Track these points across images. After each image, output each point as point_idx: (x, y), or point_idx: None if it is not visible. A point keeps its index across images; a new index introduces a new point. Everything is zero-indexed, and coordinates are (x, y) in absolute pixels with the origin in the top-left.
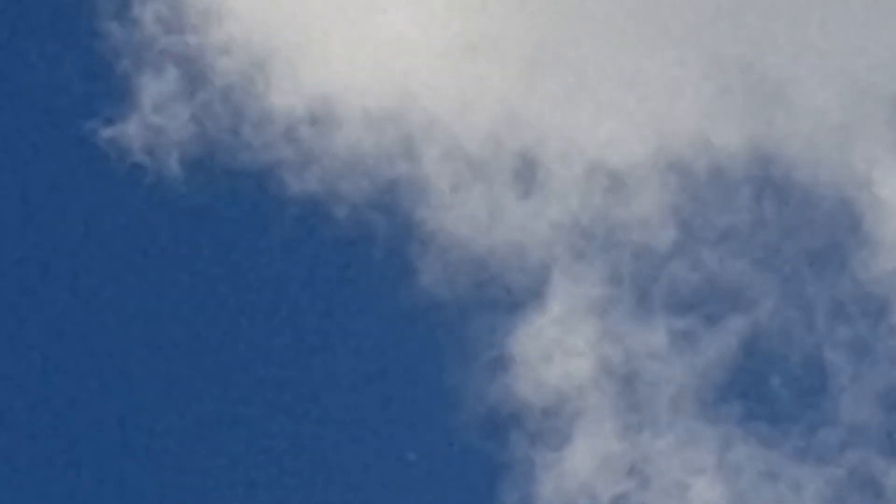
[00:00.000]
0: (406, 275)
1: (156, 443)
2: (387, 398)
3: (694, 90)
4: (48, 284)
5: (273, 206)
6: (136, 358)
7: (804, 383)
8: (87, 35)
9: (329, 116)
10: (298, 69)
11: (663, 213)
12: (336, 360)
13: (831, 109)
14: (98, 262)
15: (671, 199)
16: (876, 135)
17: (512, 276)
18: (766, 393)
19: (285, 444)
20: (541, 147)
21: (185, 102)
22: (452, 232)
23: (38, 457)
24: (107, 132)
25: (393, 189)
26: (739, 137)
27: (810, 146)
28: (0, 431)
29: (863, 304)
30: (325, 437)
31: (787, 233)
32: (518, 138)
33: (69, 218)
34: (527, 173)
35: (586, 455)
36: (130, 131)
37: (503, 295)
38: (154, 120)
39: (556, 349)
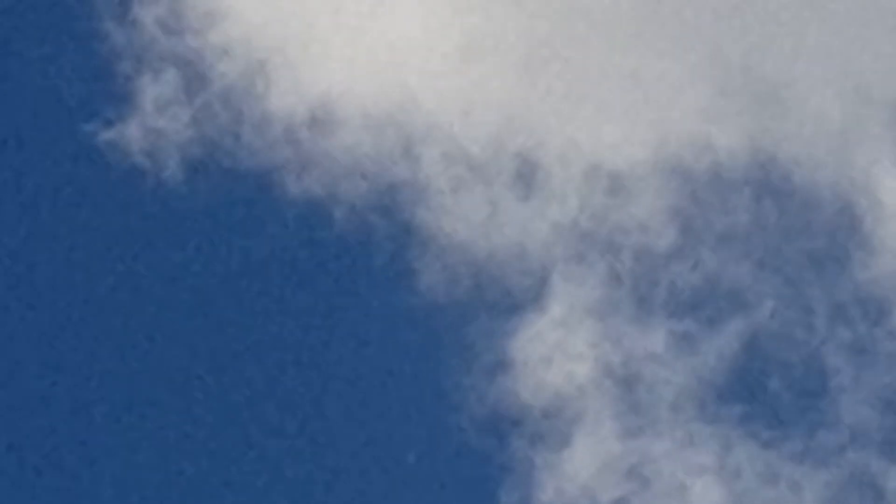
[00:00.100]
0: (406, 276)
1: (154, 444)
2: (387, 400)
3: (694, 92)
4: (48, 286)
5: (273, 208)
6: (137, 360)
7: (804, 385)
8: (86, 37)
9: (329, 118)
10: (298, 71)
11: (663, 214)
12: (336, 362)
13: (831, 111)
14: (98, 264)
15: (671, 200)
16: (876, 136)
17: (512, 278)
18: (766, 395)
19: (285, 446)
20: (541, 149)
21: (185, 104)
22: (452, 234)
23: (41, 458)
24: (106, 134)
25: (393, 191)
26: (739, 139)
27: (810, 148)
28: (2, 433)
29: (863, 305)
30: (324, 439)
31: (787, 235)
32: (518, 140)
33: (69, 220)
34: (527, 175)
35: (586, 457)
36: (130, 133)
37: (503, 297)
38: (154, 122)
39: (556, 351)
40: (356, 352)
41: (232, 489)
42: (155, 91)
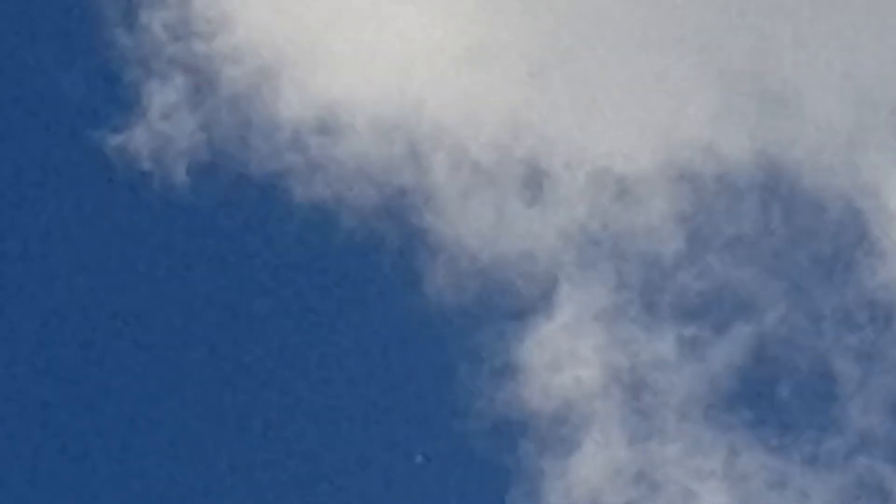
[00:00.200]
0: (413, 282)
1: (160, 447)
2: (395, 406)
3: (701, 98)
4: (55, 291)
5: (280, 214)
6: (144, 364)
7: (812, 390)
8: (94, 43)
9: (336, 124)
10: (306, 77)
11: (670, 220)
12: (344, 367)
13: (838, 118)
14: (105, 269)
15: (678, 206)
16: (882, 142)
17: (519, 284)
18: (773, 400)
19: (292, 450)
20: (548, 155)
21: (192, 110)
22: (460, 239)
23: (47, 460)
24: (114, 140)
25: (400, 197)
26: (747, 145)
27: (817, 154)
28: (8, 438)
29: (870, 311)
30: (332, 444)
31: (795, 240)
32: (525, 146)
33: (77, 225)
34: (534, 181)
35: (594, 462)
36: (138, 139)
37: (511, 302)
38: (161, 128)
39: (564, 357)
40: (363, 357)
41: (240, 491)
42: (162, 97)
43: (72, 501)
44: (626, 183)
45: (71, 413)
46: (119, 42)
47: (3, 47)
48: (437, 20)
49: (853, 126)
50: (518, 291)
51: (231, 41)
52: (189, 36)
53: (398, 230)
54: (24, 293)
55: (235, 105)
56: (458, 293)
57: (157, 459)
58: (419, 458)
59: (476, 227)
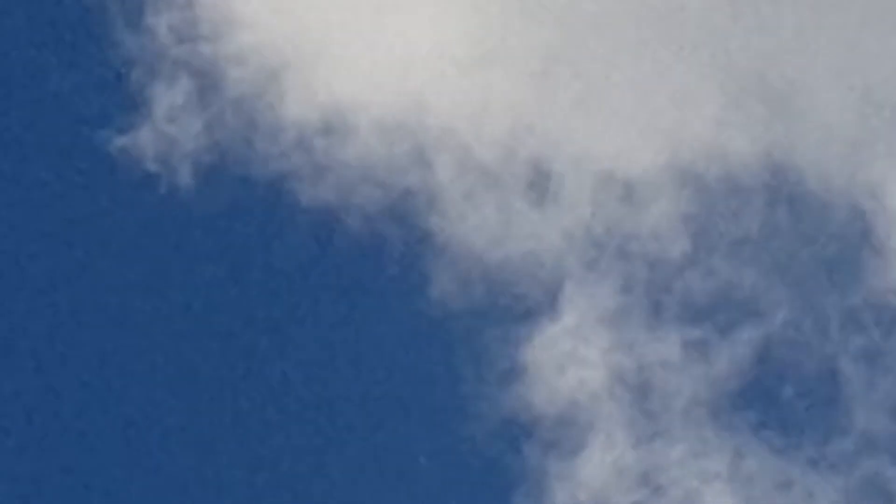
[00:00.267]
0: (419, 284)
1: (162, 448)
2: (400, 408)
3: (706, 100)
4: (60, 293)
5: (286, 216)
6: (149, 366)
7: (817, 392)
8: (99, 44)
9: (342, 126)
10: (311, 79)
11: (676, 222)
12: (349, 369)
13: (844, 119)
14: (110, 271)
15: (684, 208)
16: (888, 144)
17: (525, 286)
18: (779, 402)
19: (298, 452)
20: (553, 156)
21: (197, 112)
22: (465, 241)
23: (51, 463)
24: (119, 141)
25: (406, 199)
26: (752, 147)
27: (823, 155)
28: (8, 438)
29: (876, 313)
30: (337, 446)
31: (800, 242)
32: (531, 148)
33: (81, 227)
34: (539, 183)
35: (600, 464)
36: (143, 140)
37: (516, 304)
38: (167, 129)
39: (570, 358)
40: (369, 359)
41: (246, 493)
42: (168, 98)
43: (72, 501)
44: (631, 184)
45: (71, 413)
46: (124, 44)
47: (9, 48)
48: (441, 22)
49: (858, 127)
50: (523, 293)
51: (236, 43)
52: (194, 38)
53: (403, 231)
54: (27, 294)
55: (241, 107)
56: (464, 295)
57: (159, 459)
58: (423, 460)
59: (481, 228)
